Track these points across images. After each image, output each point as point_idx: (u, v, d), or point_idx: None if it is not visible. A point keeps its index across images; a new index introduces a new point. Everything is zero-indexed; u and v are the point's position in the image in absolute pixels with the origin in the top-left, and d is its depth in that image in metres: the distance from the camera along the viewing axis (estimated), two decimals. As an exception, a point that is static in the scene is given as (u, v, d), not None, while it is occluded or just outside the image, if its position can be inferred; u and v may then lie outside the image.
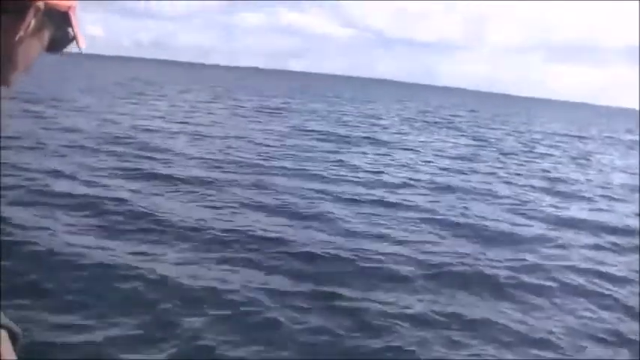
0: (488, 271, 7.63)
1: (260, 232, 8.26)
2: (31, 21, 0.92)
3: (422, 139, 24.71)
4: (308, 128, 24.20)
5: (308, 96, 57.62)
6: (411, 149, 20.63)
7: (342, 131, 24.52)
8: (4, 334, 1.07)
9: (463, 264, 7.74)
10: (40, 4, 0.92)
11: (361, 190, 12.21)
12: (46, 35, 0.97)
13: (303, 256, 7.44)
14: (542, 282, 7.51)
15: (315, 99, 52.74)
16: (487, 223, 10.33)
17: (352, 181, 13.10)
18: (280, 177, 12.64)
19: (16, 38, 0.91)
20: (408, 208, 11.00)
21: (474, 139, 27.02)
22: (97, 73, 68.57)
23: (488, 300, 6.77)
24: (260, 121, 25.63)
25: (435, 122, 36.58)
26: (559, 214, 11.90)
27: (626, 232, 10.92)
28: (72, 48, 1.02)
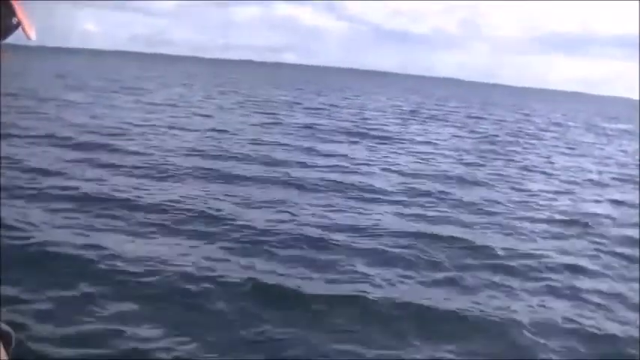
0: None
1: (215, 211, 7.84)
2: None
3: (408, 131, 24.27)
4: (291, 121, 23.73)
5: (298, 88, 57.12)
6: (397, 141, 20.20)
7: (325, 122, 24.09)
8: None
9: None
10: None
11: (331, 185, 11.77)
12: None
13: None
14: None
15: (305, 91, 52.26)
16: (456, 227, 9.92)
17: (322, 177, 12.65)
18: (245, 168, 12.21)
19: None
20: (381, 202, 10.57)
21: (459, 130, 26.63)
22: (88, 68, 67.93)
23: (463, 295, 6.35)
24: (244, 114, 25.19)
25: (423, 113, 36.14)
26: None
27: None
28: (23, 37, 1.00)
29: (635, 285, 7.28)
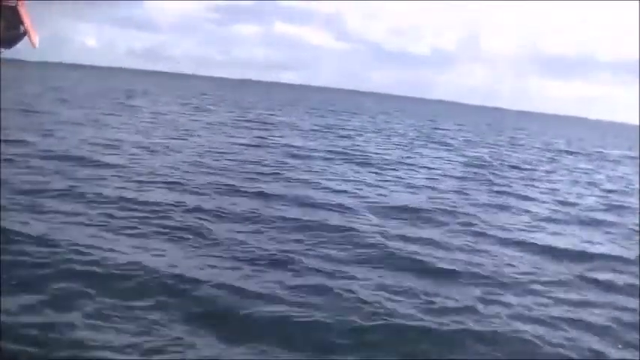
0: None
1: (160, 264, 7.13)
2: None
3: (398, 155, 23.62)
4: (279, 142, 23.07)
5: (293, 108, 56.63)
6: (384, 167, 19.56)
7: (312, 145, 23.46)
8: None
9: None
10: None
11: (302, 210, 11.07)
12: None
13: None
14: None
15: (300, 111, 51.76)
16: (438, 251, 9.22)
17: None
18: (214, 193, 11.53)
19: None
20: (357, 232, 9.87)
21: (450, 153, 26.05)
22: (85, 83, 67.47)
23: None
24: (231, 134, 24.59)
25: (417, 137, 35.56)
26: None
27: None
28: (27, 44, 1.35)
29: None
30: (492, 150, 31.06)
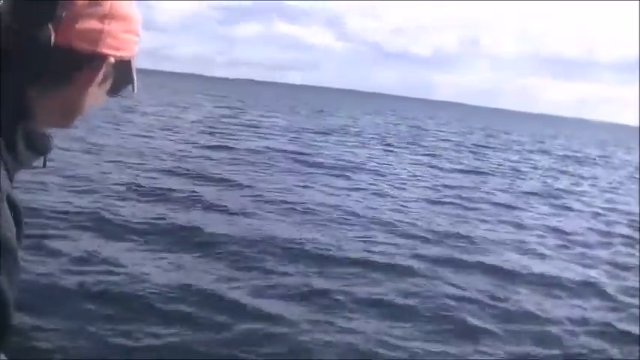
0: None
1: None
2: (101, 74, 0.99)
3: (372, 158, 21.75)
4: (246, 146, 21.05)
5: (286, 108, 54.93)
6: (356, 170, 17.72)
7: (292, 148, 21.55)
8: None
9: None
10: (111, 60, 0.99)
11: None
12: (109, 82, 1.02)
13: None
14: None
15: (287, 111, 50.01)
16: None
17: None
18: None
19: (88, 91, 0.98)
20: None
21: (435, 158, 24.17)
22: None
23: None
24: (193, 135, 22.72)
25: (401, 138, 33.64)
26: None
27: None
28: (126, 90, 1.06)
29: None
30: (486, 156, 29.06)
